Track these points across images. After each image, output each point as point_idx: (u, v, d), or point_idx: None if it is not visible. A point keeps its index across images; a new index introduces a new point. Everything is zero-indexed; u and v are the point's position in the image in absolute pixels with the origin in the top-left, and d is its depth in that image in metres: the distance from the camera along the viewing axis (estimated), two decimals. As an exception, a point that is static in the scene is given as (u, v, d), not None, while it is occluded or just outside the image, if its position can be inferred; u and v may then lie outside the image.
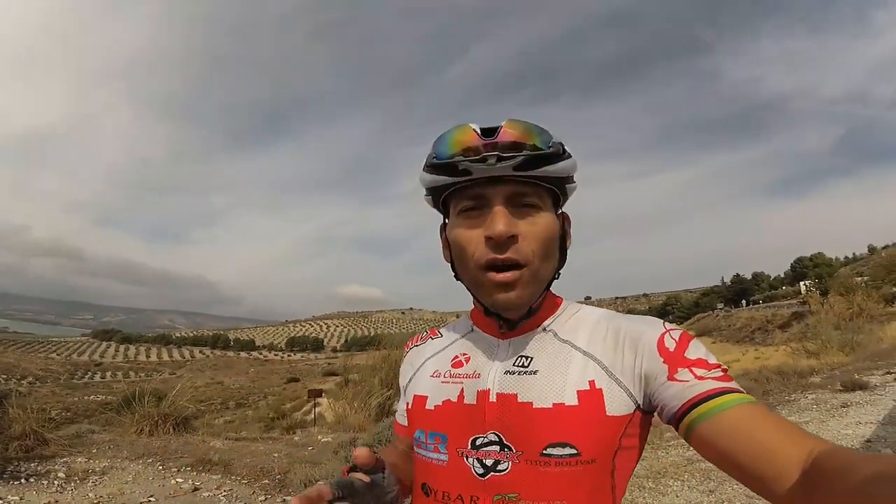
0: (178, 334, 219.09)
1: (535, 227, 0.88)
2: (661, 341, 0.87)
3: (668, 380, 0.83)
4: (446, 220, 0.99)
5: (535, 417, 0.85)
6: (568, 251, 0.98)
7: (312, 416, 15.13)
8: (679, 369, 0.83)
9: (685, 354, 0.84)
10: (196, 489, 5.35)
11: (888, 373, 10.39)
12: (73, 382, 74.62)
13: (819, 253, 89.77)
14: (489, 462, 0.86)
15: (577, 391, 0.85)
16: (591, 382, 0.86)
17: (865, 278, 37.29)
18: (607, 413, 0.84)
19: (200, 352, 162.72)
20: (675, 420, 0.81)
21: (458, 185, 0.90)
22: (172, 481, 5.52)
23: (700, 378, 0.81)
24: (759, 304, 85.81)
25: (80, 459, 6.03)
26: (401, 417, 1.13)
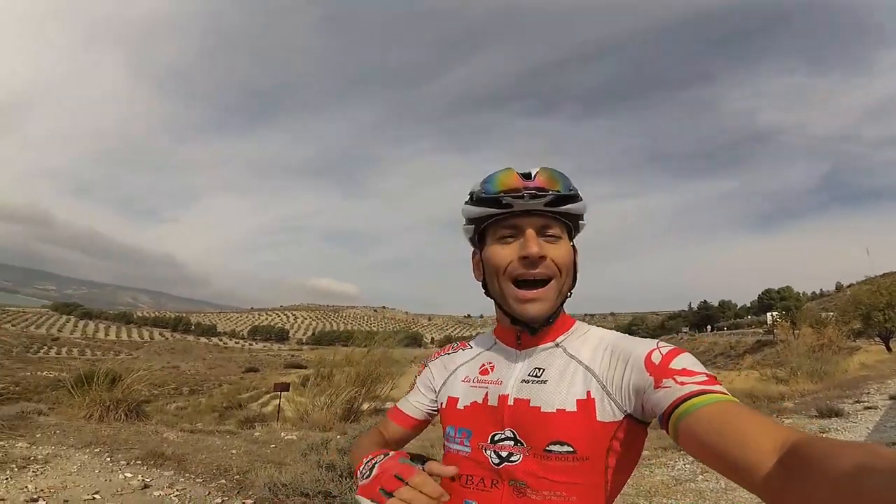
0: (139, 313, 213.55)
1: (558, 251, 1.11)
2: (648, 357, 1.01)
3: (655, 388, 0.96)
4: (479, 247, 1.22)
5: (542, 419, 1.05)
6: (577, 276, 1.19)
7: (277, 410, 14.56)
8: (664, 379, 0.95)
9: (670, 366, 0.97)
10: (146, 486, 4.87)
11: (857, 402, 10.89)
12: (27, 356, 72.37)
13: (787, 287, 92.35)
14: (504, 454, 1.07)
15: (577, 400, 1.04)
16: (588, 393, 1.04)
17: (833, 314, 38.39)
18: (597, 419, 1.02)
19: (160, 333, 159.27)
20: (664, 422, 0.92)
21: (498, 216, 1.13)
22: (121, 476, 5.05)
23: (682, 383, 0.92)
24: (723, 330, 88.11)
25: (20, 444, 5.54)
26: (409, 408, 1.34)
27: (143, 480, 4.97)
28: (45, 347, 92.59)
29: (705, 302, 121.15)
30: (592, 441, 1.01)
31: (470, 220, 1.20)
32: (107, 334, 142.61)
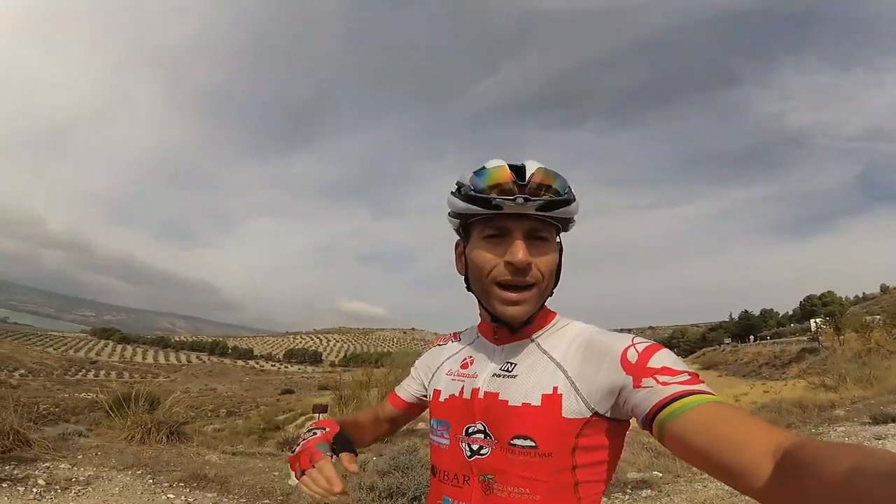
0: (177, 338, 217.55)
1: (545, 258, 1.08)
2: (623, 355, 0.99)
3: (634, 388, 0.93)
4: (464, 240, 1.18)
5: (508, 413, 1.05)
6: (561, 275, 1.15)
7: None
8: (643, 378, 0.93)
9: (648, 364, 0.95)
10: None
11: None
12: (66, 378, 74.10)
13: (829, 291, 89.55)
14: (475, 447, 1.08)
15: (542, 394, 1.03)
16: (555, 388, 1.03)
17: (879, 317, 37.18)
18: (562, 415, 1.00)
19: (198, 357, 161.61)
20: (647, 424, 0.91)
21: (486, 215, 1.08)
22: (163, 497, 4.98)
23: (664, 384, 0.90)
24: (766, 340, 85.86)
25: (63, 465, 5.50)
26: (402, 391, 1.41)
27: (185, 501, 4.90)
28: (84, 370, 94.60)
29: (746, 311, 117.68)
30: (555, 437, 1.00)
31: (455, 214, 1.16)
32: (144, 358, 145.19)
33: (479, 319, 1.28)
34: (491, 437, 1.06)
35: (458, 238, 1.22)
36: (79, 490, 4.89)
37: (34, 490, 4.69)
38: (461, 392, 1.16)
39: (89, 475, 5.30)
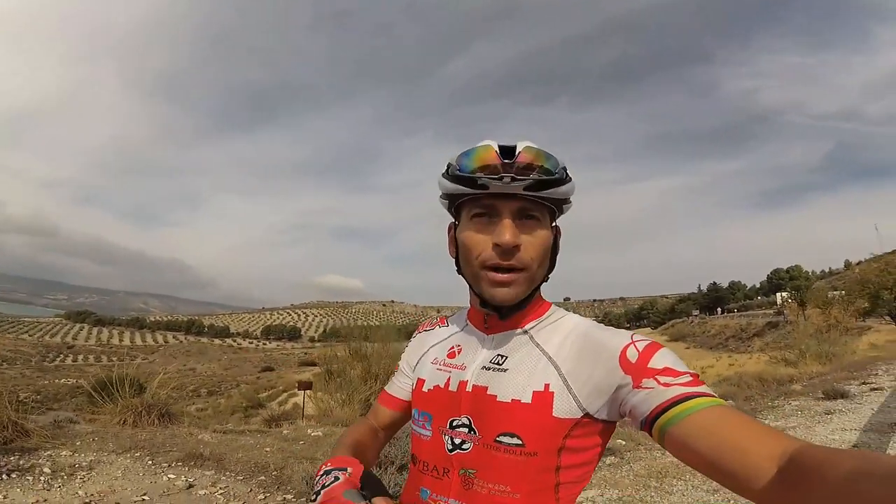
0: (152, 318, 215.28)
1: (534, 239, 1.02)
2: (623, 354, 0.94)
3: (634, 388, 0.90)
4: (456, 222, 1.14)
5: (496, 409, 1.00)
6: (557, 259, 1.12)
7: (302, 408, 14.88)
8: (644, 379, 0.89)
9: (649, 364, 0.91)
10: (191, 486, 5.09)
11: (863, 383, 11.37)
12: (45, 365, 73.37)
13: (796, 266, 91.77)
14: (458, 441, 1.03)
15: (533, 391, 0.98)
16: (546, 385, 0.98)
17: (841, 293, 38.05)
18: (553, 414, 0.95)
19: (174, 337, 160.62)
20: (647, 426, 0.88)
21: (474, 195, 1.03)
22: (164, 477, 5.26)
23: (666, 385, 0.87)
24: (733, 312, 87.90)
25: (64, 453, 5.73)
26: (395, 389, 1.31)
27: (186, 481, 5.18)
28: (62, 356, 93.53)
29: (715, 283, 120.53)
30: (544, 436, 0.95)
31: (445, 195, 1.11)
32: (121, 340, 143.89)
33: (468, 306, 1.23)
34: (475, 433, 1.01)
35: (451, 222, 1.18)
36: (84, 476, 5.12)
37: (41, 479, 4.87)
38: (447, 384, 1.10)
39: (91, 460, 5.54)
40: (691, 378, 0.88)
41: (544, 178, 1.00)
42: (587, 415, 0.96)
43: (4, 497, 4.44)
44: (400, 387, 1.30)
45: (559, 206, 1.08)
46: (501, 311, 1.06)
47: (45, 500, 4.49)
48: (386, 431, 1.31)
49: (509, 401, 0.99)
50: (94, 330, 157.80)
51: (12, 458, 5.25)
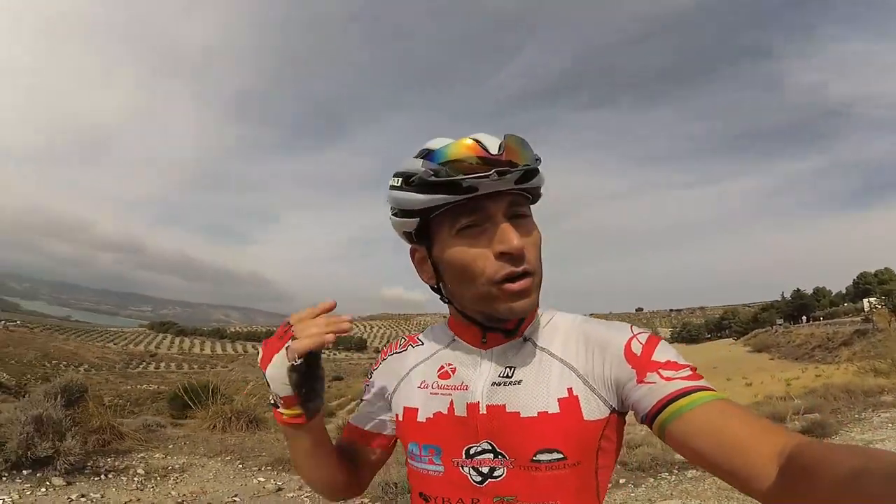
0: (231, 329, 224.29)
1: (531, 237, 0.91)
2: (627, 347, 0.89)
3: (638, 383, 0.85)
4: (424, 243, 0.96)
5: (523, 426, 0.89)
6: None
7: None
8: (647, 373, 0.85)
9: (652, 358, 0.87)
10: (279, 489, 5.17)
11: None
12: (128, 371, 77.42)
13: (886, 269, 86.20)
14: (485, 469, 0.90)
15: (558, 399, 0.89)
16: (570, 390, 0.89)
17: None
18: (584, 418, 0.88)
19: (252, 346, 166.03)
20: (648, 421, 0.84)
21: (458, 203, 0.87)
22: (254, 480, 5.36)
23: (668, 379, 0.83)
24: (819, 320, 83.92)
25: (157, 455, 5.92)
26: (361, 420, 1.12)
27: (276, 484, 5.25)
28: (144, 363, 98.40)
29: (798, 290, 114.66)
30: (582, 442, 0.88)
31: (410, 212, 0.92)
32: (202, 349, 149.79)
33: (440, 321, 1.11)
34: (504, 457, 0.89)
35: (413, 246, 1.01)
36: (176, 477, 5.27)
37: (135, 479, 5.06)
38: (451, 408, 0.96)
39: (183, 463, 5.70)
40: (691, 372, 0.85)
41: (531, 166, 0.87)
42: (613, 411, 0.90)
43: (101, 496, 4.59)
44: (371, 418, 1.11)
45: (536, 195, 0.97)
46: (506, 329, 0.96)
47: (139, 500, 4.63)
48: (370, 474, 1.14)
49: (535, 414, 0.89)
50: (177, 339, 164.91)
51: (108, 460, 5.45)
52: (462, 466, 0.92)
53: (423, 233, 0.95)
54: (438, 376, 1.00)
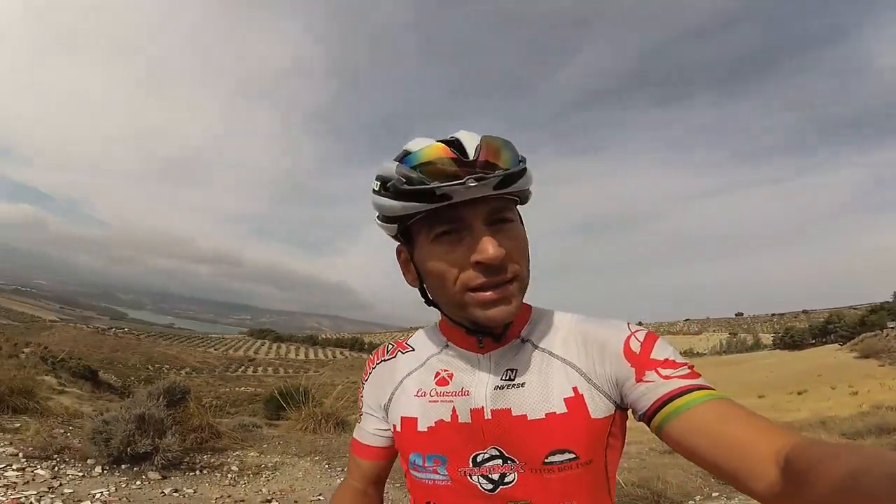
0: (323, 336, 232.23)
1: (515, 242, 0.87)
2: (626, 345, 0.88)
3: (637, 381, 0.85)
4: (406, 246, 0.94)
5: (532, 429, 0.87)
6: (529, 252, 0.94)
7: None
8: (646, 371, 0.85)
9: (651, 356, 0.86)
10: None
11: None
12: (227, 375, 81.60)
13: None
14: (495, 476, 0.89)
15: (564, 399, 0.88)
16: (575, 389, 0.89)
17: None
18: (591, 416, 0.87)
19: (341, 353, 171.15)
20: (647, 420, 0.84)
21: (432, 210, 0.84)
22: (338, 480, 5.42)
23: (666, 378, 0.83)
24: None
25: (251, 453, 6.13)
26: (368, 437, 1.07)
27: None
28: (243, 367, 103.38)
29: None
30: (591, 441, 0.87)
31: (388, 217, 0.89)
32: (297, 354, 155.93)
33: (433, 322, 1.08)
34: (514, 462, 0.88)
35: (399, 245, 0.98)
36: (268, 475, 5.45)
37: (229, 476, 5.26)
38: (454, 416, 0.93)
39: (276, 461, 5.89)
40: (689, 370, 0.84)
41: (511, 170, 0.82)
42: (618, 407, 0.90)
43: (194, 491, 4.78)
44: (372, 433, 1.08)
45: (524, 197, 0.93)
46: (494, 333, 0.93)
47: (230, 496, 4.77)
48: (376, 487, 1.11)
49: (543, 416, 0.88)
50: (274, 346, 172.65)
51: (205, 457, 5.69)
52: (470, 476, 0.90)
53: (404, 235, 0.93)
54: (436, 383, 0.98)
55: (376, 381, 1.08)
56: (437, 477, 0.93)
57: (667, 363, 0.85)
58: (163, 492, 4.62)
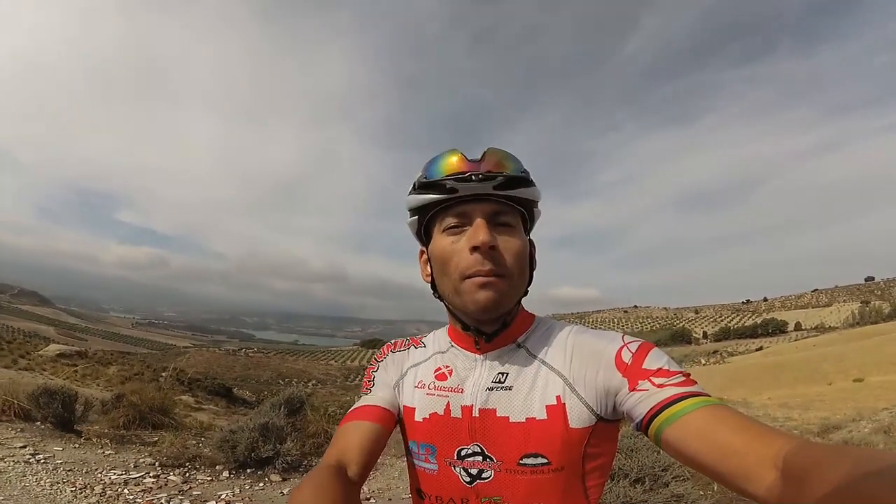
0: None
1: (511, 244, 0.97)
2: (618, 356, 0.93)
3: (630, 391, 0.88)
4: (424, 248, 1.08)
5: (511, 431, 0.94)
6: (534, 274, 1.05)
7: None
8: (639, 381, 0.88)
9: (643, 366, 0.90)
10: None
11: None
12: (346, 384, 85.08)
13: None
14: (474, 471, 0.97)
15: (546, 406, 0.94)
16: (558, 397, 0.94)
17: None
18: (570, 426, 0.92)
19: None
20: (643, 428, 0.86)
21: (444, 203, 0.99)
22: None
23: (660, 386, 0.85)
24: None
25: (360, 456, 6.81)
26: (377, 400, 1.09)
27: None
28: (359, 377, 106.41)
29: None
30: (567, 450, 0.92)
31: (414, 211, 1.05)
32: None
33: (445, 326, 1.15)
34: (492, 460, 0.95)
35: (421, 248, 1.10)
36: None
37: None
38: (447, 410, 1.02)
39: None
40: (684, 378, 0.87)
41: (513, 174, 0.97)
42: (601, 419, 0.93)
43: None
44: (383, 397, 1.10)
45: (530, 210, 1.04)
46: (487, 334, 1.01)
47: None
48: (362, 467, 0.98)
49: (524, 420, 0.94)
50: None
51: (317, 459, 6.38)
52: (454, 467, 0.98)
53: (426, 233, 1.07)
54: (435, 377, 1.06)
55: (390, 366, 1.16)
56: (427, 465, 1.01)
57: (660, 372, 0.87)
58: (282, 492, 5.23)
